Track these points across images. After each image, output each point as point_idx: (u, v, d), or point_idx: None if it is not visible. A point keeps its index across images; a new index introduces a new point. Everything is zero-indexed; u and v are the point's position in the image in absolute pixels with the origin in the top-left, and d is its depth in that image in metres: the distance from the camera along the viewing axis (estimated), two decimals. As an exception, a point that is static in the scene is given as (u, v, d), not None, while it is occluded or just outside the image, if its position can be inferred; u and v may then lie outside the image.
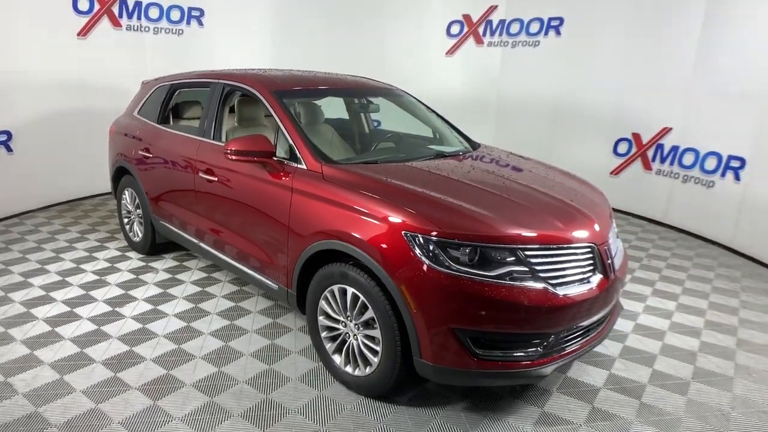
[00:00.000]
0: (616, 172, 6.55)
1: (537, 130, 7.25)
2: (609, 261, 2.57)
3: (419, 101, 4.16)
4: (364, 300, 2.51)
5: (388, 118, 4.66)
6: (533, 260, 2.33)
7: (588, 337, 2.60)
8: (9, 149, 5.43)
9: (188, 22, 7.09)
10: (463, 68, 7.76)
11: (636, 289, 4.17)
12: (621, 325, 3.57)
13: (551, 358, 2.41)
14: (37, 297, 3.69)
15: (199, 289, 3.92)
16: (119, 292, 3.82)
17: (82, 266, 4.26)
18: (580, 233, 2.50)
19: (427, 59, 7.88)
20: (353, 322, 2.63)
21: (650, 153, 6.15)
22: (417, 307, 2.29)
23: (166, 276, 4.13)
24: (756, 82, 4.88)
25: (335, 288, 2.66)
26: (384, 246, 2.38)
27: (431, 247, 2.29)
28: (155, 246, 4.43)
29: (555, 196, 2.77)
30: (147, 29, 6.68)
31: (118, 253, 4.58)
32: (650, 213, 6.22)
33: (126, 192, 4.57)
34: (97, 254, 4.54)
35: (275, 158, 3.00)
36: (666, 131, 5.94)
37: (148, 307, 3.61)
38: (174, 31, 6.96)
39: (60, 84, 5.87)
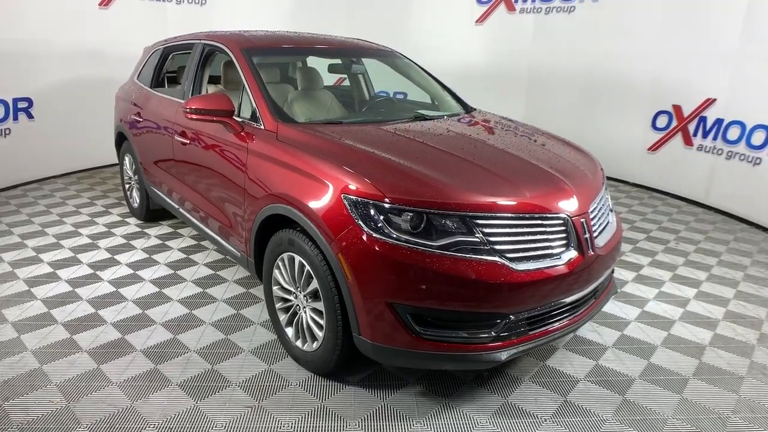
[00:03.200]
0: (654, 148, 5.97)
1: (570, 102, 6.73)
2: (586, 236, 2.24)
3: (416, 64, 3.86)
4: (309, 269, 2.32)
5: (386, 81, 4.37)
6: (487, 230, 2.04)
7: (560, 322, 2.29)
8: (30, 116, 5.57)
9: (211, -8, 7.03)
10: (493, 37, 7.28)
11: (652, 274, 3.74)
12: (624, 311, 3.20)
13: (509, 342, 2.12)
14: (26, 258, 3.74)
15: (184, 256, 3.86)
16: (106, 256, 3.82)
17: (80, 230, 4.31)
18: (550, 203, 2.18)
19: (455, 28, 7.46)
20: (302, 293, 2.44)
21: (691, 127, 5.54)
22: (354, 278, 2.07)
23: (156, 242, 4.10)
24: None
25: (285, 256, 2.48)
26: (324, 210, 2.16)
27: (371, 212, 2.05)
28: (151, 212, 4.41)
29: (531, 162, 2.44)
30: (169, -1, 6.66)
31: (119, 219, 4.61)
32: (690, 193, 5.64)
33: (126, 158, 4.58)
34: (98, 219, 4.59)
35: (238, 118, 2.83)
36: (709, 103, 5.32)
37: (128, 271, 3.58)
38: (196, 1, 6.93)
39: (81, 53, 5.96)
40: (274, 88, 3.21)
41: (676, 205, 5.55)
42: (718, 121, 5.27)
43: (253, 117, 2.78)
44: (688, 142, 5.61)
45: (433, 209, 2.02)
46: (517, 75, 7.19)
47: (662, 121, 5.86)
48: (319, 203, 2.19)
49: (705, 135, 5.43)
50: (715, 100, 5.28)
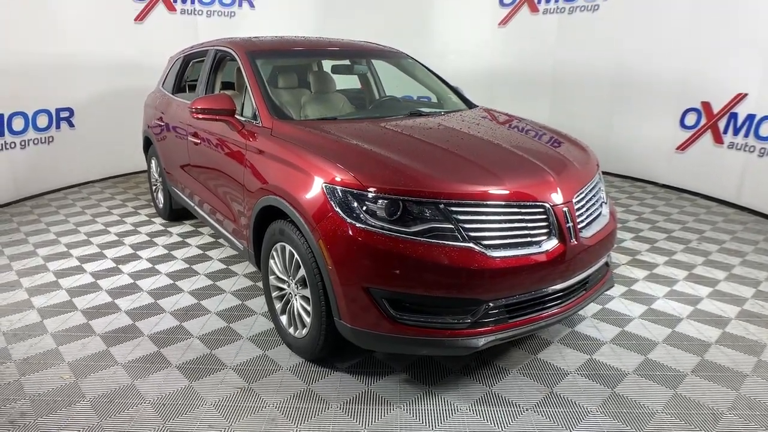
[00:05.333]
0: (683, 147, 5.78)
1: (596, 103, 6.61)
2: (569, 225, 2.23)
3: (421, 64, 3.92)
4: (297, 257, 2.41)
5: (406, 85, 4.44)
6: (462, 217, 2.07)
7: (544, 311, 2.28)
8: (71, 125, 5.97)
9: (240, 5, 7.35)
10: (517, 39, 7.25)
11: (666, 272, 3.63)
12: (629, 308, 3.12)
13: (488, 329, 2.14)
14: (58, 252, 4.02)
15: (201, 252, 4.04)
16: (129, 251, 4.05)
17: (109, 228, 4.59)
18: (530, 191, 2.18)
19: (478, 31, 7.48)
20: (293, 281, 2.54)
21: (722, 124, 5.33)
22: (333, 263, 2.14)
23: (177, 239, 4.32)
24: None
25: (278, 246, 2.58)
26: (307, 198, 2.26)
27: (348, 200, 2.13)
28: (174, 212, 4.64)
29: (515, 152, 2.46)
30: (200, 12, 7.01)
31: (146, 219, 4.87)
32: (721, 193, 5.41)
33: (152, 161, 4.84)
34: (127, 219, 4.86)
35: (241, 118, 2.98)
36: (740, 98, 5.11)
37: (147, 265, 3.78)
38: (226, 14, 7.25)
39: (118, 65, 6.34)
40: (289, 92, 3.36)
41: (706, 205, 5.34)
42: (750, 117, 5.05)
43: (254, 116, 2.92)
44: (718, 140, 5.40)
45: (408, 197, 2.07)
46: (541, 76, 7.12)
47: (691, 119, 5.66)
48: (302, 192, 2.28)
49: (736, 132, 5.21)
50: (746, 95, 5.07)
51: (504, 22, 7.30)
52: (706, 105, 5.46)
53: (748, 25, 4.91)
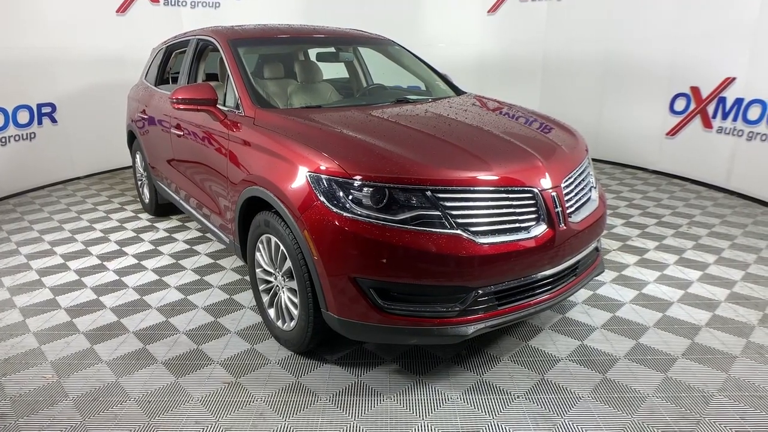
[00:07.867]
0: (673, 132, 5.77)
1: (586, 89, 6.60)
2: (558, 210, 2.20)
3: (408, 51, 3.86)
4: (283, 248, 2.36)
5: (397, 75, 4.38)
6: (449, 204, 2.04)
7: (534, 297, 2.25)
8: (53, 120, 5.85)
9: (224, -5, 7.22)
10: (506, 27, 7.21)
11: (657, 257, 3.62)
12: (620, 293, 3.11)
13: (477, 316, 2.11)
14: (41, 251, 3.94)
15: (188, 247, 3.98)
16: (115, 248, 3.98)
17: (95, 225, 4.51)
18: (518, 176, 2.15)
19: (467, 18, 7.41)
20: (279, 273, 2.49)
21: (710, 109, 5.33)
22: (318, 253, 2.10)
23: (164, 235, 4.25)
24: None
25: (264, 238, 2.54)
26: (291, 188, 2.21)
27: (333, 189, 2.08)
28: (160, 207, 4.57)
29: (503, 137, 2.42)
30: (184, 3, 6.89)
31: (132, 215, 4.79)
32: (711, 178, 5.42)
33: (137, 155, 4.76)
34: (113, 215, 4.78)
35: (223, 108, 2.91)
36: (729, 82, 5.10)
37: (133, 261, 3.72)
38: (210, 4, 7.13)
39: (101, 59, 6.21)
40: (274, 81, 3.29)
41: (696, 190, 5.35)
42: (738, 101, 5.05)
43: (237, 105, 2.85)
44: (707, 124, 5.40)
45: (394, 184, 2.03)
46: (531, 64, 7.10)
47: (680, 105, 5.65)
48: (286, 182, 2.23)
49: (725, 116, 5.21)
50: (734, 79, 5.07)
51: (493, 9, 7.24)
52: (695, 90, 5.45)
53: (735, 9, 4.90)
